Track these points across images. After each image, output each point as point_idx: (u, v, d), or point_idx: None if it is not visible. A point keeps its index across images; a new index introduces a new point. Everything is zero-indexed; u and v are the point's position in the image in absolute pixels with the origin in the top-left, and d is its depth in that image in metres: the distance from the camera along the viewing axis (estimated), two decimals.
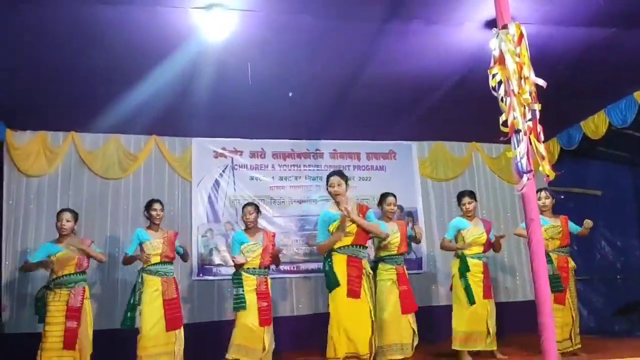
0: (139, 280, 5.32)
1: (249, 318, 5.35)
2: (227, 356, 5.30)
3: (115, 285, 6.55)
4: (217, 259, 6.96)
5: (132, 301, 5.28)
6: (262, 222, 7.05)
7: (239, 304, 5.38)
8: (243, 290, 5.42)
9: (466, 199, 5.83)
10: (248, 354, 5.30)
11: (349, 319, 4.37)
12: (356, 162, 7.68)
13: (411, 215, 7.67)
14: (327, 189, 4.85)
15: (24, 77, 5.26)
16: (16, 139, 6.50)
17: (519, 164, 3.06)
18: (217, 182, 7.21)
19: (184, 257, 5.83)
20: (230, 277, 5.79)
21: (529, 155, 3.08)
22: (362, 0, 4.27)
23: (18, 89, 5.49)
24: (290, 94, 5.90)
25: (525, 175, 3.05)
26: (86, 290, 5.24)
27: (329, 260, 4.65)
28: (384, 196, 5.90)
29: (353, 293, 4.41)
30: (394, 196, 5.89)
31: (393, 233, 5.62)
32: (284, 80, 5.60)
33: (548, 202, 5.75)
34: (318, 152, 7.61)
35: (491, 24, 4.19)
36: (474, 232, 5.75)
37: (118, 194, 6.83)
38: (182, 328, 5.36)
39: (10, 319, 6.13)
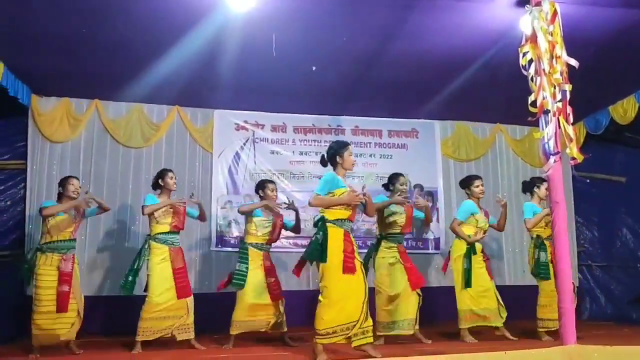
0: (146, 247, 5.31)
1: (254, 294, 5.33)
2: (231, 331, 5.30)
3: (126, 252, 6.62)
4: (235, 231, 7.00)
5: (135, 266, 5.27)
6: (281, 197, 7.08)
7: (239, 281, 5.32)
8: (247, 267, 5.38)
9: (480, 182, 5.79)
10: (252, 327, 5.32)
11: (344, 296, 4.23)
12: (378, 139, 7.63)
13: (431, 195, 7.63)
14: (344, 156, 4.53)
15: (49, 44, 5.28)
16: (41, 105, 6.57)
17: (546, 145, 3.01)
18: (237, 155, 7.22)
19: (201, 217, 5.74)
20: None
21: (557, 137, 3.03)
22: None
23: (44, 55, 5.51)
24: (314, 68, 5.85)
25: (552, 157, 3.00)
26: (75, 257, 5.23)
27: (323, 231, 4.36)
28: (396, 176, 5.74)
29: (349, 269, 4.27)
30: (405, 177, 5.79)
31: (400, 213, 5.58)
32: (308, 53, 5.54)
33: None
34: (339, 128, 7.57)
35: (523, 2, 4.10)
36: (483, 217, 5.74)
37: (140, 163, 6.89)
38: (192, 297, 5.37)
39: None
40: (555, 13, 3.10)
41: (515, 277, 7.65)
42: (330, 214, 4.41)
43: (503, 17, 4.76)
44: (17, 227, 6.35)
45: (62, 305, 5.02)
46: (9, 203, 6.38)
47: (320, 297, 4.30)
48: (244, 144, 7.26)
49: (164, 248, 5.30)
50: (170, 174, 5.51)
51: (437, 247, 7.52)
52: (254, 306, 5.34)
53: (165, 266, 5.25)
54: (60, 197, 5.27)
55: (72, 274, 5.11)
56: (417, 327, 5.42)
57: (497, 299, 5.63)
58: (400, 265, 5.46)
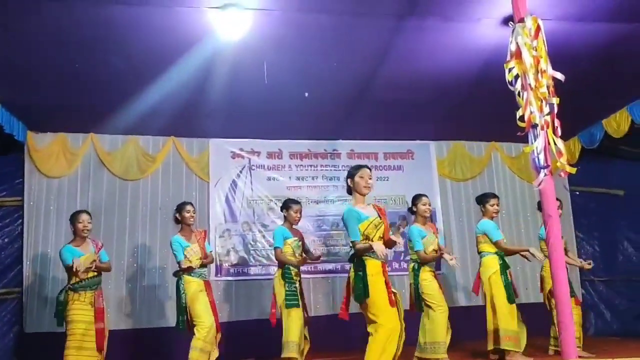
0: (182, 283, 5.19)
1: (300, 313, 5.34)
2: (286, 354, 5.18)
3: (126, 285, 6.62)
4: (234, 259, 6.97)
5: (182, 304, 5.17)
6: (279, 222, 7.08)
7: (294, 301, 5.30)
8: (296, 287, 5.38)
9: (495, 200, 5.64)
10: (299, 351, 5.27)
11: (396, 330, 3.95)
12: (374, 162, 7.63)
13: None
14: (355, 179, 4.16)
15: (44, 80, 5.33)
16: (37, 141, 6.60)
17: (536, 159, 3.02)
18: (234, 183, 7.23)
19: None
20: (253, 277, 6.21)
21: (547, 150, 3.04)
22: None
23: (38, 91, 5.56)
24: (307, 94, 5.89)
25: (542, 170, 3.00)
26: (102, 293, 5.24)
27: (362, 266, 4.05)
28: (418, 197, 5.67)
29: (392, 303, 4.00)
30: (427, 197, 5.73)
31: (433, 239, 5.55)
32: (300, 79, 5.59)
33: None
34: (335, 152, 7.59)
35: (508, 20, 4.14)
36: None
37: (137, 194, 6.89)
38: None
39: (30, 318, 6.20)
40: (538, 28, 3.14)
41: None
42: None
43: (491, 36, 4.82)
44: (15, 264, 6.33)
45: (100, 343, 5.00)
46: (6, 240, 6.38)
47: (372, 334, 3.95)
48: (241, 172, 7.27)
49: (199, 281, 5.25)
50: (187, 207, 5.41)
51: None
52: (301, 325, 5.31)
53: (205, 297, 5.22)
54: (74, 233, 5.22)
55: (104, 309, 5.13)
56: None
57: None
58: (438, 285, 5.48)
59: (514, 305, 5.34)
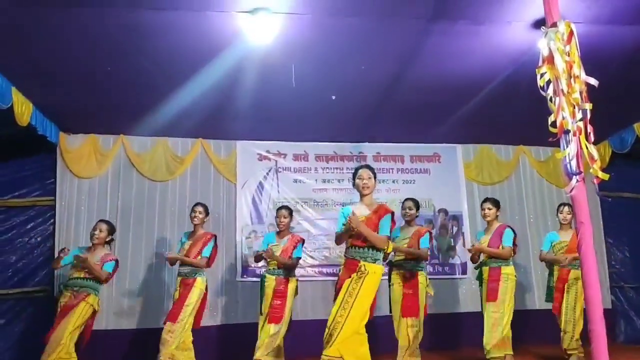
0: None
1: (262, 317, 5.50)
2: None
3: (162, 287, 6.72)
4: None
5: None
6: (304, 224, 7.14)
7: (260, 308, 5.59)
8: (261, 294, 5.58)
9: (484, 205, 5.71)
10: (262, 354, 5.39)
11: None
12: (400, 165, 7.62)
13: (456, 220, 7.56)
14: (355, 181, 4.44)
15: (76, 82, 5.44)
16: (69, 142, 6.74)
17: (568, 165, 2.98)
18: (261, 185, 7.28)
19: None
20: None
21: (579, 157, 3.00)
22: None
23: (71, 93, 5.68)
24: (334, 97, 5.91)
25: (574, 177, 2.96)
26: (90, 297, 5.12)
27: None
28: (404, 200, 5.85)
29: (334, 297, 4.26)
30: (412, 200, 5.75)
31: (401, 239, 5.58)
32: (328, 82, 5.61)
33: (569, 217, 5.71)
34: (361, 154, 7.58)
35: (539, 23, 4.12)
36: (483, 240, 5.62)
37: (165, 195, 6.99)
38: (176, 322, 5.24)
39: None
40: (571, 33, 3.09)
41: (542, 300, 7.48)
42: None
43: (521, 39, 4.78)
44: (47, 264, 6.44)
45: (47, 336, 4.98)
46: (38, 239, 6.52)
47: None
48: (267, 174, 7.32)
49: (178, 279, 5.55)
50: (193, 207, 5.72)
51: (464, 272, 7.41)
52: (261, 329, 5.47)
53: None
54: None
55: (69, 307, 5.03)
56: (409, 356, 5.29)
57: (488, 328, 5.33)
58: (400, 289, 5.47)
59: (488, 312, 5.40)
